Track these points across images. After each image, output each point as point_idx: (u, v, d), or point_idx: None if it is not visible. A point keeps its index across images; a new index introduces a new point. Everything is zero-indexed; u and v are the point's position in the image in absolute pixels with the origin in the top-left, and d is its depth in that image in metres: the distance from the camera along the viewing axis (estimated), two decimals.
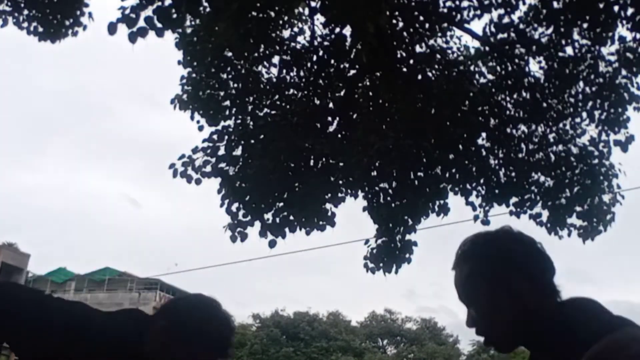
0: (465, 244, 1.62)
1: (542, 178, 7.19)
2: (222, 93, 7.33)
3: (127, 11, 5.12)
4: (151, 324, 1.84)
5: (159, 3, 5.11)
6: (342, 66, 7.08)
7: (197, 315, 1.84)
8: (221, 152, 6.88)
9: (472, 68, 7.68)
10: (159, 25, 5.09)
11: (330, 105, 7.29)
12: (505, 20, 7.12)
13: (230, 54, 7.08)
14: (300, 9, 7.28)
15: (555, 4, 6.88)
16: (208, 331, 1.81)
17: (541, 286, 1.51)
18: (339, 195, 7.04)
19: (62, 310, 1.80)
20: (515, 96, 7.16)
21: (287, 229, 6.81)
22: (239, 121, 7.22)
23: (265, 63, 7.39)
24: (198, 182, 6.85)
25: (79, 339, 1.74)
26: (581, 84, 7.09)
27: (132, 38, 5.10)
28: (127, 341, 1.80)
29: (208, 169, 6.85)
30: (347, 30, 6.62)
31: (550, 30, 6.93)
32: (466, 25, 7.23)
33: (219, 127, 7.14)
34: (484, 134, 7.13)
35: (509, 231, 1.65)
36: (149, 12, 5.10)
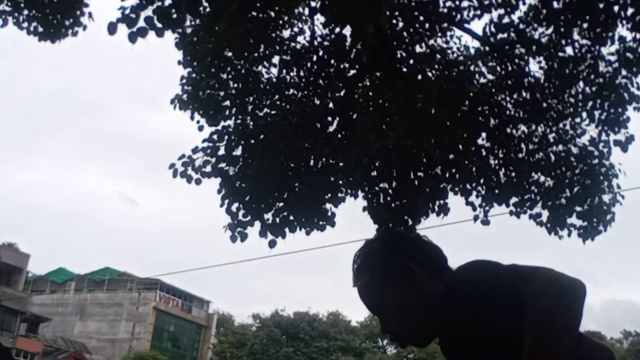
0: (358, 258, 1.73)
1: (542, 178, 7.18)
2: (222, 93, 7.32)
3: (127, 11, 5.13)
4: None
5: (159, 3, 5.12)
6: (342, 66, 7.08)
7: None
8: (221, 152, 6.87)
9: (472, 68, 7.67)
10: (159, 25, 5.10)
11: (330, 105, 7.29)
12: (505, 20, 7.11)
13: (230, 54, 7.06)
14: (300, 9, 7.27)
15: (555, 4, 6.87)
16: None
17: (436, 271, 1.64)
18: (339, 195, 7.04)
19: None
20: (515, 96, 7.15)
21: (287, 229, 6.81)
22: (239, 121, 7.21)
23: (265, 63, 7.38)
24: (198, 182, 6.85)
25: None
26: (581, 84, 7.08)
27: (132, 38, 5.11)
28: None
29: (208, 169, 6.85)
30: (347, 30, 6.62)
31: (550, 30, 6.93)
32: (466, 25, 7.23)
33: (219, 127, 7.14)
34: (484, 134, 7.13)
35: (393, 233, 1.83)
36: (149, 12, 5.11)
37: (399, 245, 1.73)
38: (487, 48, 7.38)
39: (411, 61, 7.12)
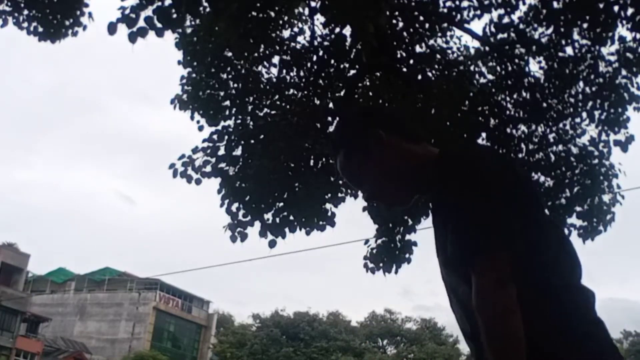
0: (332, 135, 1.84)
1: (542, 178, 7.18)
2: (222, 93, 7.32)
3: (127, 11, 5.13)
4: None
5: (159, 3, 5.12)
6: (342, 66, 7.08)
7: None
8: (221, 152, 6.87)
9: (472, 68, 7.67)
10: (159, 25, 5.10)
11: (330, 105, 7.29)
12: (505, 20, 7.11)
13: (230, 54, 7.07)
14: (300, 9, 7.28)
15: (555, 4, 6.87)
16: None
17: (406, 135, 1.71)
18: (339, 195, 7.04)
19: None
20: (515, 96, 7.16)
21: (287, 229, 6.81)
22: (239, 121, 7.22)
23: (265, 63, 7.39)
24: (198, 182, 6.85)
25: None
26: (581, 84, 7.08)
27: (132, 38, 5.11)
28: None
29: (208, 169, 6.85)
30: (347, 30, 6.62)
31: (550, 30, 6.93)
32: (466, 25, 7.23)
33: (219, 127, 7.14)
34: (484, 134, 7.13)
35: (360, 109, 2.02)
36: (149, 12, 5.11)
37: (366, 117, 1.80)
38: (487, 48, 7.38)
39: (411, 61, 7.12)
